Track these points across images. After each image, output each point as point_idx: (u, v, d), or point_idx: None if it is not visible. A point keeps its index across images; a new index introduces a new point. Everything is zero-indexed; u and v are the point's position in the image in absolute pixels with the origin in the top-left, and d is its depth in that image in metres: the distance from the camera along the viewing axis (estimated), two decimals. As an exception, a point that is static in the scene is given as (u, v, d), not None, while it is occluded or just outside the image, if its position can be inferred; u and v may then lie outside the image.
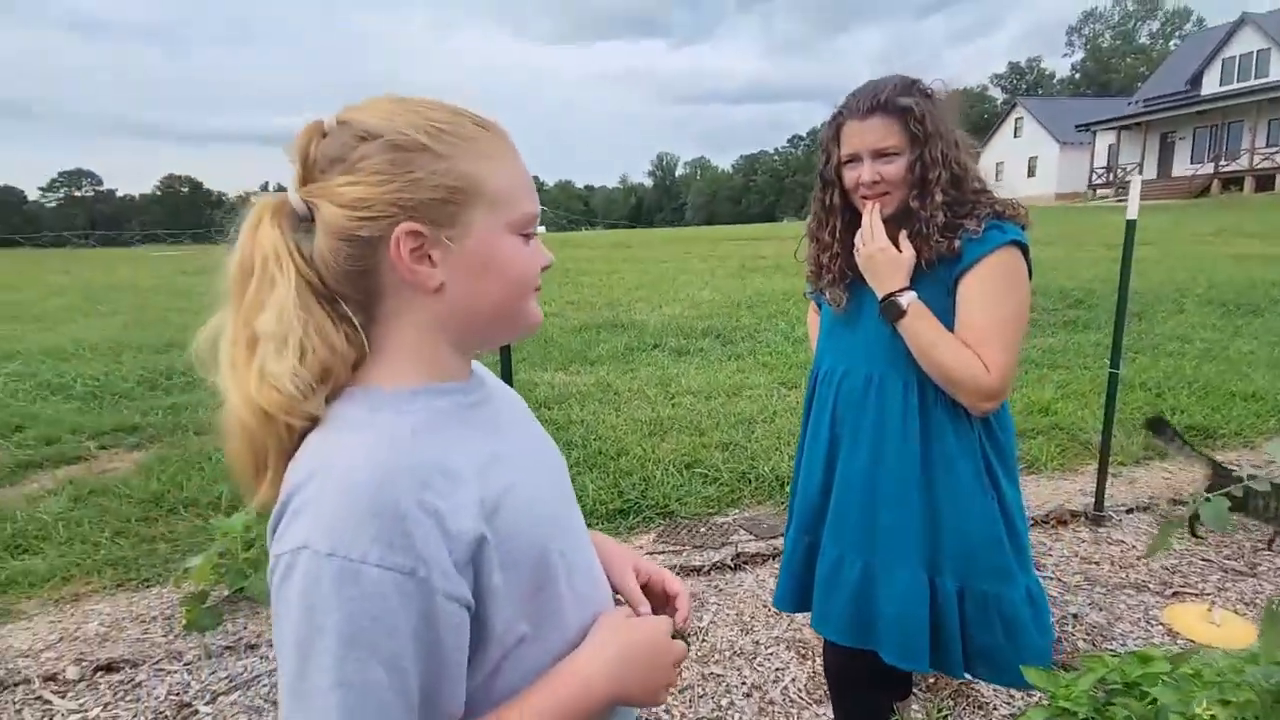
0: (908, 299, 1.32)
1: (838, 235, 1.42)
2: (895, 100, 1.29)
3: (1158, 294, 7.77)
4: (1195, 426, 4.15)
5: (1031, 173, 39.92)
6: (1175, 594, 2.59)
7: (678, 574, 2.50)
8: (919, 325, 1.31)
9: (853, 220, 1.40)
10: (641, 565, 0.85)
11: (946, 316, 1.33)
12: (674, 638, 0.75)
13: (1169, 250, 11.36)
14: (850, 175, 1.36)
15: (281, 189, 0.65)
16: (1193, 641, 2.29)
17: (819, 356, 1.56)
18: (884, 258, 1.33)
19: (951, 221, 1.30)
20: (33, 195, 75.41)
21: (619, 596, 0.81)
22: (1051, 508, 3.24)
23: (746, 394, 5.01)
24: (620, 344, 6.63)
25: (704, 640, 2.35)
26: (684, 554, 2.94)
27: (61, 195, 77.33)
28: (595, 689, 0.67)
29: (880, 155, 1.32)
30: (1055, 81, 65.04)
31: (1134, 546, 2.94)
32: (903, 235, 1.35)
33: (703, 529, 3.17)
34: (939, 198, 1.30)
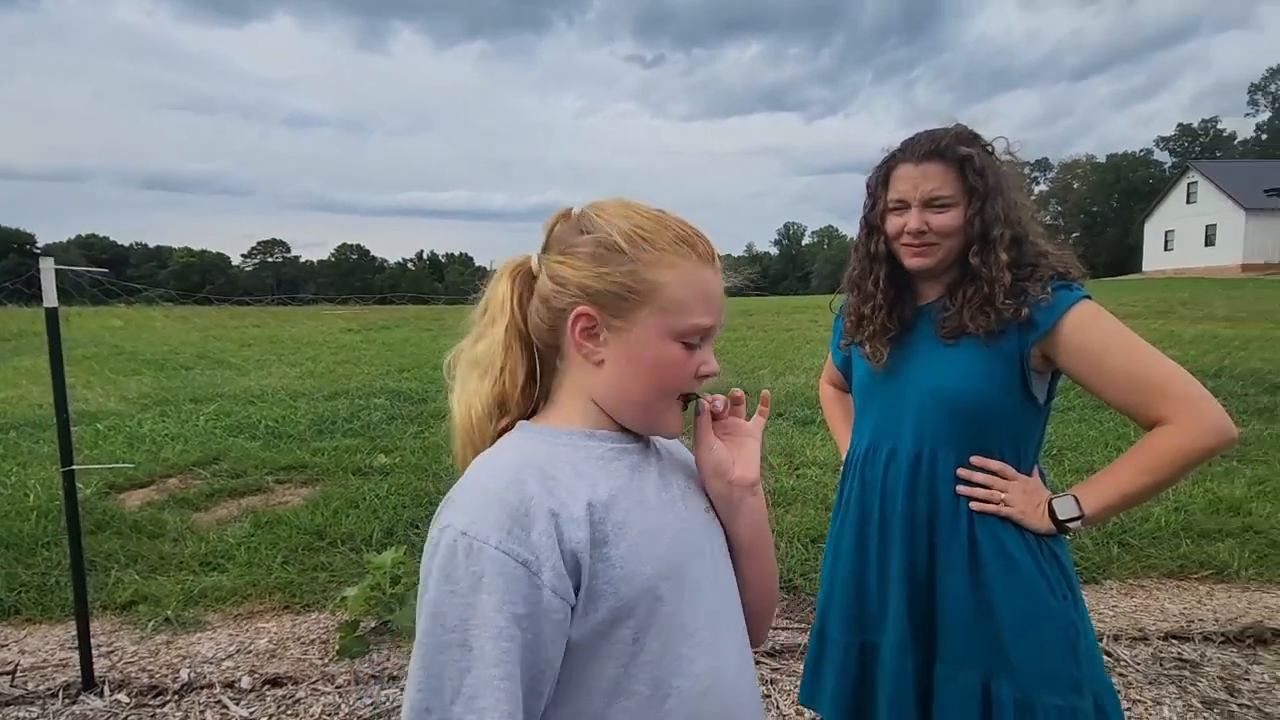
0: (1068, 508, 1.18)
1: (881, 285, 1.32)
2: (955, 148, 1.21)
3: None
4: None
5: (1210, 241, 36.14)
6: None
7: (800, 651, 2.45)
8: (1108, 493, 1.17)
9: (897, 270, 1.32)
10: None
11: (1003, 391, 1.20)
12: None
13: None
14: (895, 222, 1.27)
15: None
16: None
17: (858, 428, 1.41)
18: (1027, 499, 1.20)
19: (1016, 285, 1.19)
20: (235, 260, 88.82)
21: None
22: (1248, 622, 2.81)
23: (877, 469, 4.79)
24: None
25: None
26: (809, 633, 2.81)
27: (257, 260, 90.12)
28: None
29: (931, 204, 1.22)
30: (1236, 143, 58.89)
31: (1361, 680, 2.47)
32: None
33: (830, 608, 3.03)
34: (1004, 257, 1.19)
